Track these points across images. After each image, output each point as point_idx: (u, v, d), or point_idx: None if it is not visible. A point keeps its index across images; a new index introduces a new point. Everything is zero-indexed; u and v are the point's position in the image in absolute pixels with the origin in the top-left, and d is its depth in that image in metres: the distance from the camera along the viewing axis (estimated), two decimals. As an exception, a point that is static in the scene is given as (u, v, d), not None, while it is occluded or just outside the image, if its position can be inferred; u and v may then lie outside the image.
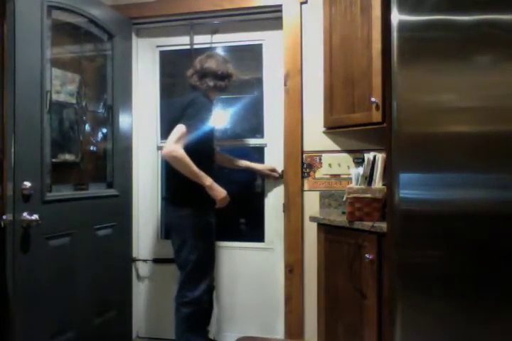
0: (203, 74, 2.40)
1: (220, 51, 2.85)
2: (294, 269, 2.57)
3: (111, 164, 2.59)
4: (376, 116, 2.03)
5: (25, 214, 1.93)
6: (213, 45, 2.82)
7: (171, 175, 2.37)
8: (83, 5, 2.36)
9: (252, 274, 2.75)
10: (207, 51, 2.61)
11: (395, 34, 1.42)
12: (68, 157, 2.41)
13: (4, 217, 1.88)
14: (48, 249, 2.09)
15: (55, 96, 2.26)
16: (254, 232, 2.81)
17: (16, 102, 1.92)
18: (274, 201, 2.72)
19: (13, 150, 1.93)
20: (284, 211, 2.62)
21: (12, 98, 1.91)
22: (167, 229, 2.55)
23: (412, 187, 1.43)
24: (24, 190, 1.95)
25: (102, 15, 2.50)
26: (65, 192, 2.28)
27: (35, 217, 1.95)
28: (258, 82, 2.77)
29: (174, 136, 2.19)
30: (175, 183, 2.39)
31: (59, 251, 2.17)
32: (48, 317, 2.10)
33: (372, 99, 2.03)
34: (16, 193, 1.92)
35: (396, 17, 1.42)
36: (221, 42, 2.82)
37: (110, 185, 2.58)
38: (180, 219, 2.35)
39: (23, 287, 1.95)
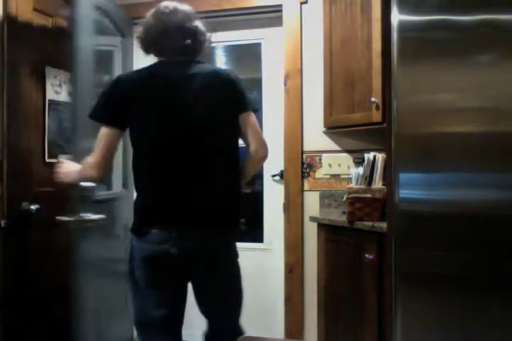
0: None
1: (219, 50, 2.85)
2: (293, 269, 2.57)
3: (124, 164, 2.58)
4: (376, 116, 2.03)
5: (85, 213, 1.91)
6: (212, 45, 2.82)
7: (224, 183, 1.61)
8: (110, 4, 2.37)
9: (251, 275, 2.74)
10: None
11: (395, 34, 1.42)
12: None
13: (65, 218, 1.85)
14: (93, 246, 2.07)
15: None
16: (254, 233, 2.80)
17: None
18: (274, 201, 2.72)
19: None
20: (284, 211, 2.62)
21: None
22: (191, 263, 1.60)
23: (412, 187, 1.43)
24: (82, 190, 1.90)
25: (118, 16, 2.51)
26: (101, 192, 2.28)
27: (92, 216, 1.91)
28: (257, 82, 2.77)
29: (259, 129, 1.65)
30: (236, 194, 1.65)
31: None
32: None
33: (373, 99, 2.03)
34: (75, 194, 1.86)
35: (396, 17, 1.42)
36: (220, 41, 2.82)
37: (124, 185, 2.57)
38: (233, 246, 1.68)
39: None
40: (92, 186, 1.80)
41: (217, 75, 1.62)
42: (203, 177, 1.57)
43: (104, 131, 1.58)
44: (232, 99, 1.61)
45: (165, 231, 1.53)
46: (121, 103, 1.57)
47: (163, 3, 1.67)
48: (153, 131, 1.56)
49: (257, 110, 1.70)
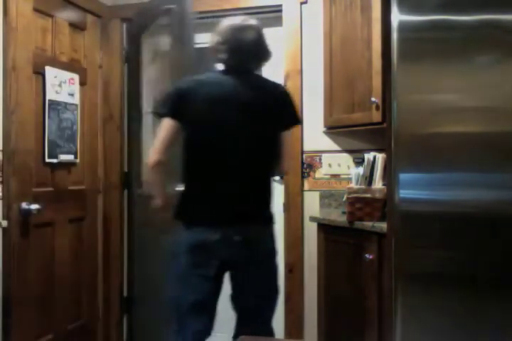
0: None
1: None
2: (294, 269, 2.57)
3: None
4: (376, 116, 2.03)
5: None
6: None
7: (261, 179, 1.80)
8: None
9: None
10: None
11: (395, 34, 1.42)
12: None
13: None
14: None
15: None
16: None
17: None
18: (274, 201, 2.71)
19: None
20: (284, 211, 2.62)
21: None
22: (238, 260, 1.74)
23: (412, 187, 1.43)
24: None
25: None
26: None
27: None
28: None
29: (289, 148, 1.91)
30: (269, 193, 1.84)
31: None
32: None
33: (373, 99, 2.02)
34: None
35: (396, 17, 1.42)
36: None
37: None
38: (272, 240, 1.81)
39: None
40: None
41: (274, 89, 1.81)
42: (246, 177, 1.74)
43: (164, 123, 1.73)
44: (283, 114, 1.79)
45: (209, 222, 1.70)
46: (182, 101, 1.72)
47: (238, 19, 1.81)
48: (203, 133, 1.73)
49: (301, 123, 1.93)
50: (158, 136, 1.75)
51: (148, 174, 1.82)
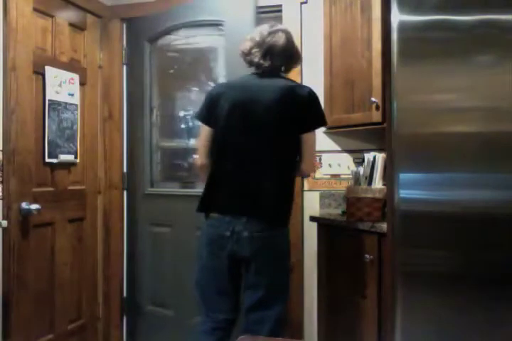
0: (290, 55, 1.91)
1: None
2: (294, 269, 2.57)
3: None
4: (376, 116, 2.03)
5: None
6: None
7: (278, 180, 1.80)
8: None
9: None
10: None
11: (395, 34, 1.42)
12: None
13: None
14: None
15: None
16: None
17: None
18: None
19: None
20: (284, 211, 2.61)
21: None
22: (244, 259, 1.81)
23: (412, 187, 1.43)
24: None
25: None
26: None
27: None
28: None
29: (314, 150, 1.93)
30: (284, 194, 1.83)
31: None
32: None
33: (372, 99, 2.03)
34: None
35: (396, 17, 1.42)
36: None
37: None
38: (284, 242, 1.84)
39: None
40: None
41: (298, 92, 1.83)
42: (260, 177, 1.78)
43: (202, 128, 1.91)
44: (308, 115, 1.83)
45: (221, 216, 1.80)
46: (212, 107, 1.85)
47: (270, 26, 1.88)
48: (224, 134, 1.82)
49: (326, 124, 1.91)
50: (197, 140, 1.94)
51: (199, 175, 2.03)
